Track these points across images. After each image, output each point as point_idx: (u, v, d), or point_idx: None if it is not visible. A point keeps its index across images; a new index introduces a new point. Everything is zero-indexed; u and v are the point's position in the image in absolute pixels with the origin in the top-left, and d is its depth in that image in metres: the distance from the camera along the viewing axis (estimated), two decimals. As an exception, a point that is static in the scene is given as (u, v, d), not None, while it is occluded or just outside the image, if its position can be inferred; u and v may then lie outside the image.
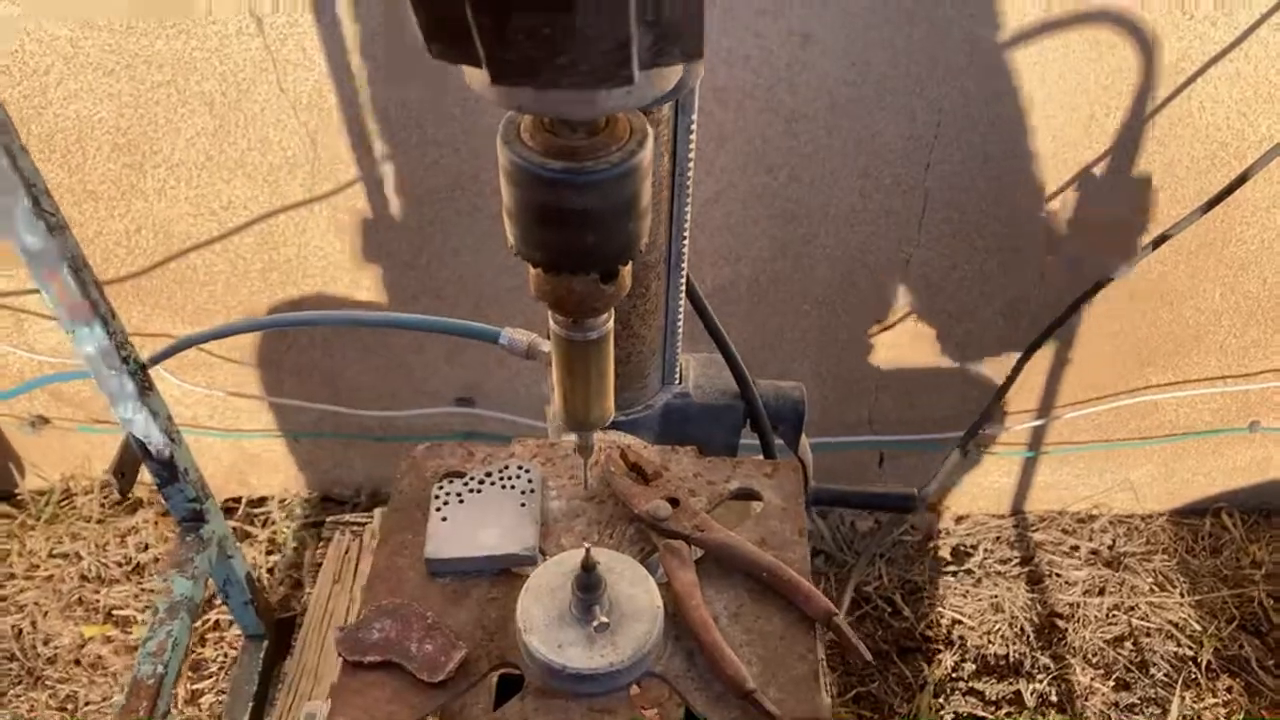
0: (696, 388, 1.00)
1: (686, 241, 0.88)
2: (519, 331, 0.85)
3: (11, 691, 1.71)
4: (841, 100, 1.50)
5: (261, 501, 2.06)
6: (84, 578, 1.88)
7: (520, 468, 0.89)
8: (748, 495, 0.90)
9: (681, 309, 0.94)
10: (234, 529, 1.99)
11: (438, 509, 0.86)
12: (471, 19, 0.34)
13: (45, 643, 1.79)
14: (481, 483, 0.88)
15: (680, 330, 0.95)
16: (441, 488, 0.88)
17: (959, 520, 2.09)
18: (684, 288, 0.92)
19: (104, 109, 1.55)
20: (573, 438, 0.91)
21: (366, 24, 1.45)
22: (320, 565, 1.26)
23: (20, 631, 1.80)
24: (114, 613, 1.84)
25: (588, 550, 0.72)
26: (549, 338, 0.95)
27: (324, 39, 1.48)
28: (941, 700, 1.79)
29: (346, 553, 1.21)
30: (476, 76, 0.43)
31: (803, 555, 0.85)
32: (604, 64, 0.38)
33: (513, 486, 0.87)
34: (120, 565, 1.90)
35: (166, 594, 1.02)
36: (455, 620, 0.79)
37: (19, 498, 2.04)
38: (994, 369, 1.84)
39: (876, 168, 1.58)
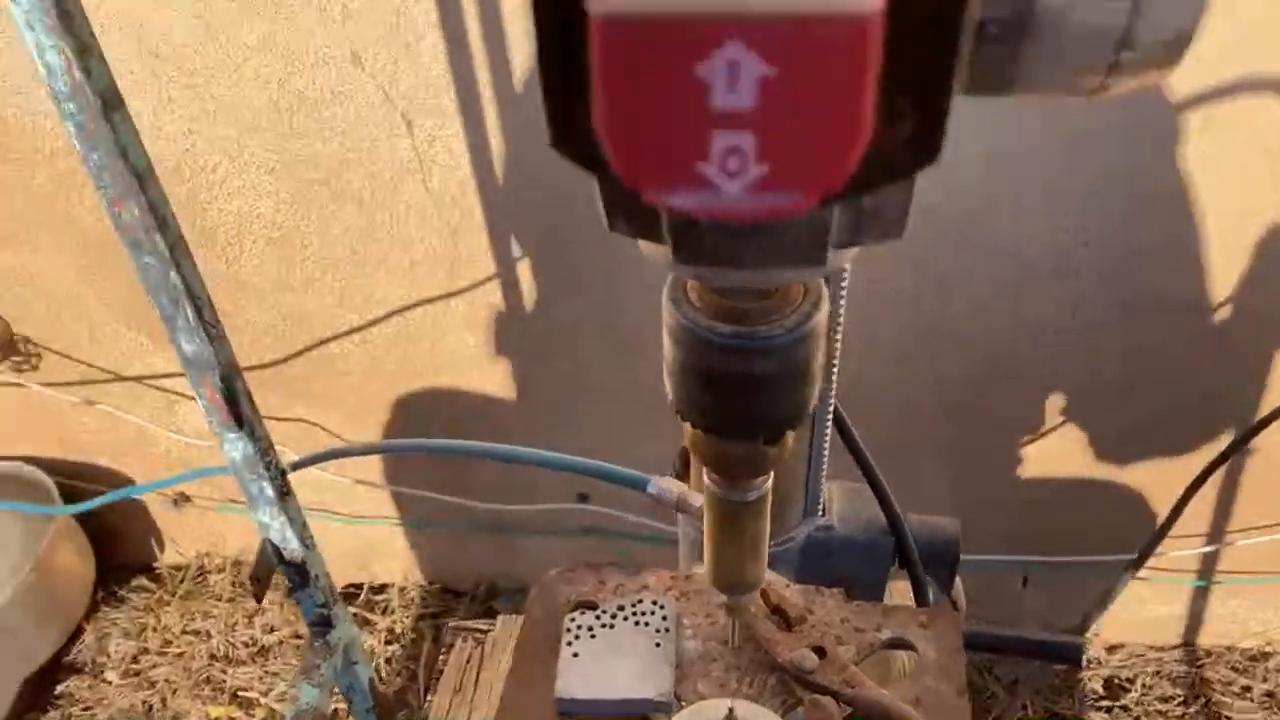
0: (841, 520, 0.94)
1: (836, 371, 0.83)
2: (669, 481, 0.82)
3: (137, 772, 1.75)
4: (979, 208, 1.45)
5: (382, 589, 2.07)
6: (213, 656, 1.92)
7: (655, 603, 0.84)
8: (900, 645, 0.83)
9: (828, 438, 0.89)
10: (355, 615, 2.01)
11: (569, 643, 0.82)
12: (666, 228, 0.31)
13: (173, 720, 1.83)
14: (614, 616, 0.84)
15: (825, 460, 0.90)
16: (574, 619, 0.84)
17: (1112, 650, 1.92)
18: (831, 416, 0.88)
19: (263, 205, 1.63)
20: (705, 569, 0.87)
21: (509, 125, 1.49)
22: (437, 669, 1.24)
23: (150, 708, 1.84)
24: (239, 694, 1.86)
25: (731, 710, 0.67)
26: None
27: (469, 141, 1.52)
28: None
29: (468, 661, 1.19)
30: (650, 247, 0.40)
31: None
32: (797, 253, 0.34)
33: (647, 624, 0.83)
34: (246, 646, 1.93)
35: (293, 701, 1.02)
36: (583, 771, 0.75)
37: (158, 572, 2.11)
38: (1149, 489, 1.70)
39: (1018, 266, 1.50)
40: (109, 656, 1.93)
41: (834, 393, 0.86)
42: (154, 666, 1.91)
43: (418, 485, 1.93)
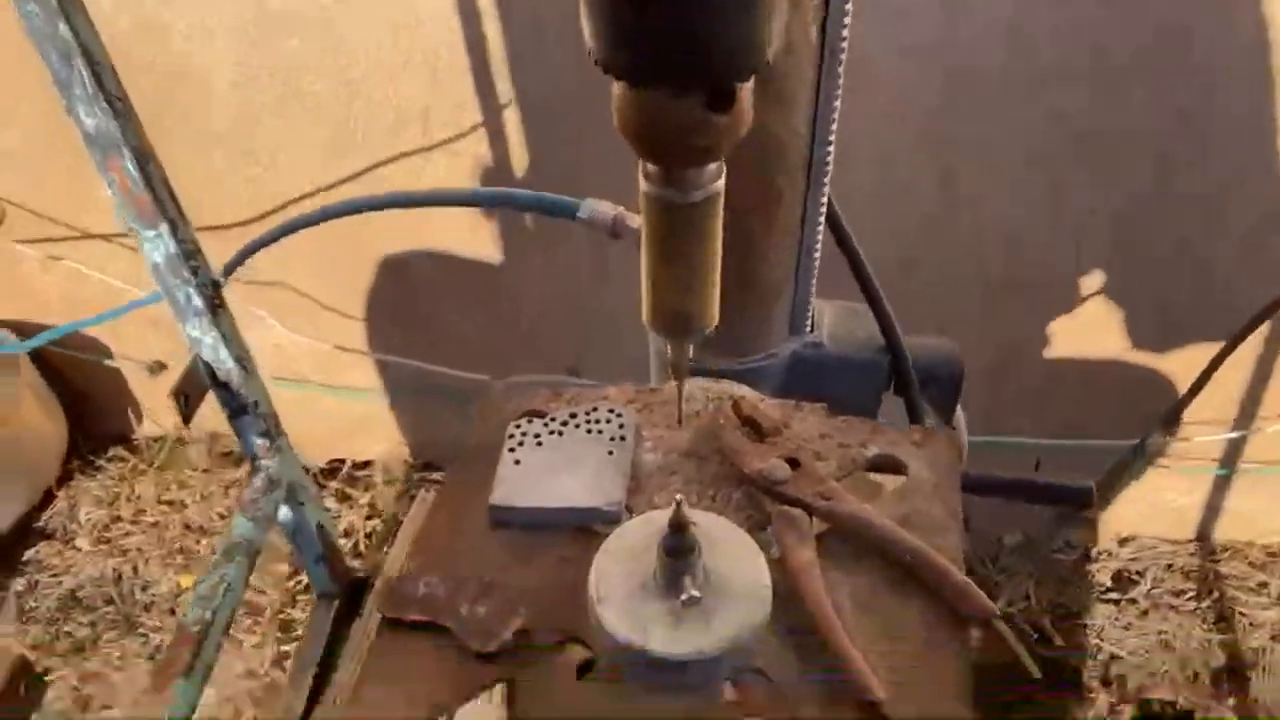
0: (832, 338, 0.83)
1: (832, 147, 0.72)
2: (603, 203, 0.71)
3: (105, 636, 1.69)
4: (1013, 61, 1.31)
5: (365, 465, 2.00)
6: (187, 527, 1.86)
7: (612, 411, 0.75)
8: (889, 467, 0.73)
9: (819, 236, 0.78)
10: (335, 490, 1.94)
11: (511, 449, 0.73)
12: None
13: (143, 589, 1.77)
14: (565, 424, 0.74)
15: (816, 263, 0.79)
16: (519, 426, 0.75)
17: (1124, 542, 1.83)
18: (824, 208, 0.76)
19: (223, 42, 1.50)
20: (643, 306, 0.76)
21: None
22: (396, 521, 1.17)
23: (120, 576, 1.78)
24: (212, 564, 1.80)
25: (678, 504, 0.57)
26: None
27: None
28: (1094, 748, 1.55)
29: (431, 513, 1.12)
30: None
31: (955, 543, 0.67)
32: None
33: (600, 432, 0.73)
34: (223, 517, 1.87)
35: (226, 534, 0.93)
36: (519, 581, 0.66)
37: (135, 443, 2.05)
38: (1178, 376, 1.59)
39: (1048, 138, 1.37)
40: (80, 524, 1.87)
41: (827, 178, 0.75)
42: (126, 535, 1.85)
43: (400, 353, 1.83)
